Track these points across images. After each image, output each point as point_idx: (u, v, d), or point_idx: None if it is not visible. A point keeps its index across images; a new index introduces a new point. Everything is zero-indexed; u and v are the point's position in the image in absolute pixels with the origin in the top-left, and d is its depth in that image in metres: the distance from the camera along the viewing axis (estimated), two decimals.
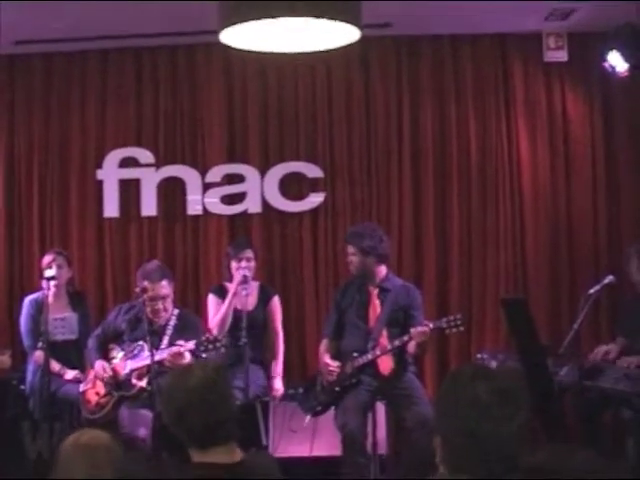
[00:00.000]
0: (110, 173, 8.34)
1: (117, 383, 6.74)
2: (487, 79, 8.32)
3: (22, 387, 7.29)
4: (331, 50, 5.21)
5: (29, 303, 7.30)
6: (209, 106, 8.38)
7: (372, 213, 8.27)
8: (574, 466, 2.46)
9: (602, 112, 8.26)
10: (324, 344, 6.96)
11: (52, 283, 7.05)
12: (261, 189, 8.29)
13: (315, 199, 8.29)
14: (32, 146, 8.41)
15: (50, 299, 7.00)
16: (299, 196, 8.30)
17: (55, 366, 7.08)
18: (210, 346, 6.44)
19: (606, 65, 7.47)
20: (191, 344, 6.48)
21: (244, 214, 8.35)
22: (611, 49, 7.38)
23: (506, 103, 8.31)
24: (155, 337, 6.66)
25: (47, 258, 7.36)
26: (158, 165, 8.35)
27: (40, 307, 7.03)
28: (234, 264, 7.16)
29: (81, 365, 7.17)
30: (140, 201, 8.34)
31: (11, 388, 7.36)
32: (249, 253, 7.23)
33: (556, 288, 8.17)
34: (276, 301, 7.42)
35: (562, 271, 8.20)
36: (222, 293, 7.27)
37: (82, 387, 6.90)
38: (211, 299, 7.35)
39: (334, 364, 6.72)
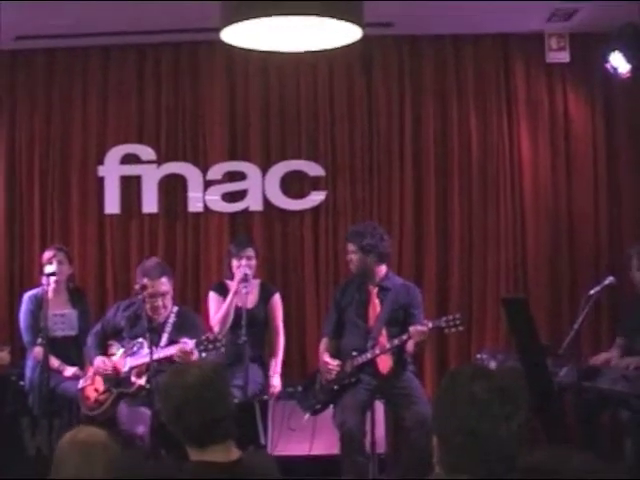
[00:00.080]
0: (111, 170, 8.34)
1: (117, 380, 6.73)
2: (489, 79, 8.32)
3: (21, 383, 7.30)
4: (333, 49, 5.20)
5: (28, 299, 7.30)
6: (211, 103, 8.38)
7: (373, 212, 8.28)
8: (571, 467, 2.46)
9: (604, 113, 8.26)
10: (324, 343, 6.96)
11: (52, 279, 7.05)
12: (262, 187, 8.29)
13: (316, 197, 8.30)
14: (33, 142, 8.42)
15: (50, 295, 7.00)
16: (300, 194, 8.31)
17: (54, 362, 7.08)
18: (210, 346, 6.44)
19: (608, 66, 7.47)
20: (191, 343, 6.47)
21: (245, 212, 8.35)
22: (613, 50, 7.38)
23: (508, 103, 8.31)
24: (154, 334, 6.65)
25: (47, 254, 7.35)
26: (159, 162, 8.36)
27: (40, 303, 7.02)
28: (235, 262, 7.16)
29: (80, 362, 7.16)
30: (141, 198, 8.35)
31: (10, 384, 7.35)
32: (250, 251, 7.23)
33: (556, 288, 8.17)
34: (277, 299, 7.41)
35: (563, 271, 8.20)
36: (223, 291, 7.27)
37: (81, 384, 6.90)
38: (212, 297, 7.35)
39: (333, 363, 6.72)
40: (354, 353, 6.65)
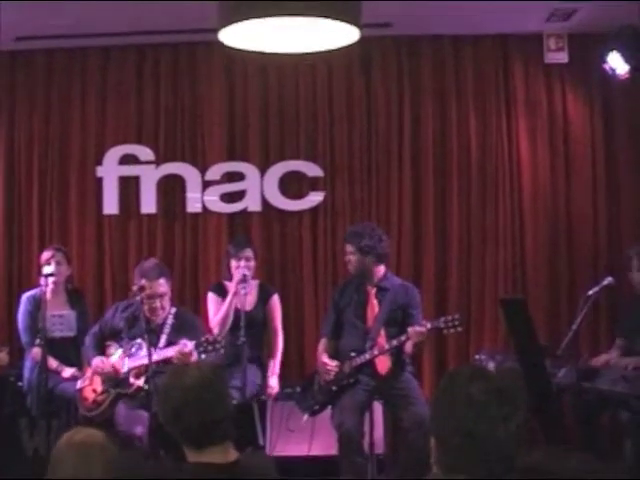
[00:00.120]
0: (110, 170, 8.34)
1: (115, 380, 6.72)
2: (488, 79, 8.32)
3: (20, 384, 7.29)
4: (331, 50, 5.20)
5: (27, 300, 7.29)
6: (210, 104, 8.37)
7: (372, 212, 8.27)
8: (569, 467, 2.46)
9: (602, 113, 8.26)
10: (322, 343, 6.96)
11: (50, 280, 7.05)
12: (261, 187, 8.29)
13: (315, 198, 8.29)
14: (32, 143, 8.41)
15: (48, 296, 7.00)
16: (299, 195, 8.30)
17: (53, 363, 7.08)
18: (209, 347, 6.43)
19: (606, 67, 7.47)
20: (190, 345, 6.46)
21: (244, 212, 8.35)
22: (611, 50, 7.38)
23: (507, 103, 8.31)
24: (153, 335, 6.64)
25: (46, 254, 7.34)
26: (158, 162, 8.35)
27: (38, 303, 7.02)
28: (234, 263, 7.16)
29: (79, 363, 7.15)
30: (140, 198, 8.34)
31: (9, 385, 7.35)
32: (249, 252, 7.23)
33: (555, 288, 8.16)
34: (276, 299, 7.42)
35: (561, 271, 8.19)
36: (221, 291, 7.27)
37: (79, 384, 6.89)
38: (211, 298, 7.35)
39: (332, 363, 6.72)
40: (352, 354, 6.65)
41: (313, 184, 8.29)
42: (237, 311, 6.98)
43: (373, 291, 6.81)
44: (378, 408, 7.07)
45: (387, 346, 6.59)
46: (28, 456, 6.81)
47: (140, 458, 6.16)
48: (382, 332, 6.67)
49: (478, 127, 8.28)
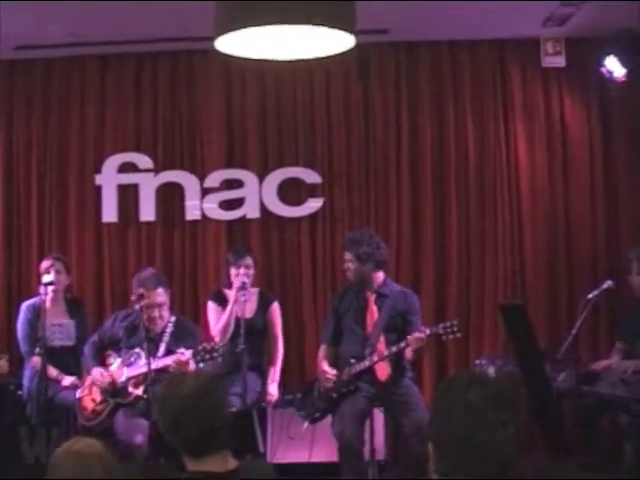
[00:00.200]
0: (109, 178, 8.35)
1: (114, 390, 6.73)
2: (485, 84, 8.32)
3: (19, 393, 7.29)
4: (328, 57, 5.19)
5: (26, 308, 7.30)
6: (208, 111, 8.38)
7: (370, 218, 8.27)
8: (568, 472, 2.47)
9: (600, 117, 8.26)
10: (322, 350, 6.96)
11: (50, 288, 7.06)
12: (259, 194, 8.29)
13: (313, 204, 8.30)
14: (31, 150, 8.42)
15: (48, 304, 7.01)
16: (297, 201, 8.31)
17: (52, 372, 7.08)
18: (207, 356, 6.43)
19: (604, 70, 7.47)
20: (188, 354, 6.46)
21: (242, 219, 8.35)
22: (608, 54, 7.39)
23: (504, 108, 8.32)
24: (152, 344, 6.64)
25: (45, 263, 7.35)
26: (157, 170, 8.36)
27: (37, 312, 7.03)
28: (233, 271, 7.17)
29: (78, 372, 7.15)
30: (139, 206, 8.35)
31: (8, 394, 7.34)
32: (248, 260, 7.23)
33: (554, 293, 8.16)
34: (276, 307, 7.42)
35: (560, 276, 8.19)
36: (221, 300, 7.27)
37: (78, 394, 6.89)
38: (211, 306, 7.35)
39: (331, 371, 6.72)
40: (352, 360, 6.65)
41: (312, 191, 8.30)
42: (237, 319, 6.99)
43: (372, 297, 6.82)
44: (379, 414, 7.07)
45: (386, 352, 6.59)
46: (28, 464, 6.80)
47: (138, 468, 6.16)
48: (381, 338, 6.67)
49: (476, 132, 8.28)
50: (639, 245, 7.34)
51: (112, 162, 8.34)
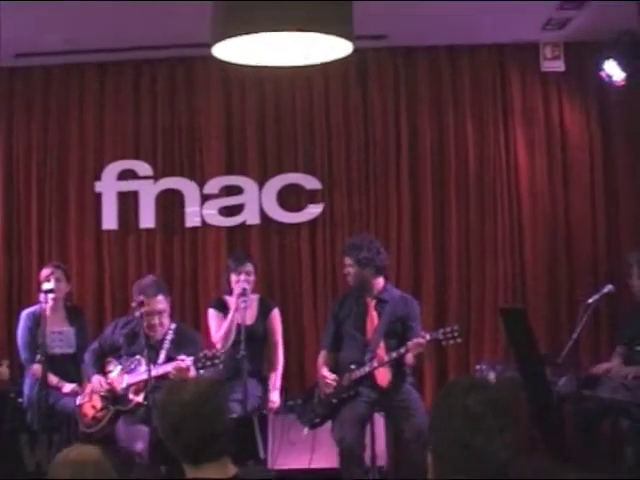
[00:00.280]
0: (108, 185, 8.36)
1: (114, 397, 6.72)
2: (484, 89, 8.33)
3: (20, 400, 7.29)
4: (326, 63, 5.20)
5: (26, 316, 7.30)
6: (207, 118, 8.39)
7: (370, 224, 8.28)
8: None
9: (599, 121, 8.26)
10: (322, 356, 6.96)
11: (50, 296, 7.07)
12: (259, 201, 8.30)
13: (313, 210, 8.30)
14: (31, 157, 8.44)
15: (48, 312, 7.01)
16: (297, 207, 8.32)
17: (53, 379, 7.08)
18: (208, 363, 6.43)
19: (603, 74, 7.48)
20: (188, 361, 6.46)
21: (242, 226, 8.36)
22: (608, 58, 7.40)
23: (504, 112, 8.32)
24: (152, 352, 6.64)
25: (45, 271, 7.36)
26: (156, 177, 8.37)
27: (37, 320, 7.04)
28: (234, 277, 7.16)
29: (78, 379, 7.15)
30: (138, 213, 8.36)
31: (9, 401, 7.34)
32: (249, 267, 7.23)
33: (555, 297, 8.16)
34: (276, 314, 7.42)
35: (561, 280, 8.19)
36: (222, 307, 7.27)
37: (79, 401, 6.89)
38: (212, 313, 7.34)
39: (331, 376, 6.72)
40: (352, 366, 6.64)
41: (311, 196, 8.30)
42: (237, 325, 6.98)
43: (372, 303, 6.81)
44: (380, 420, 7.06)
45: (386, 358, 6.58)
46: (30, 471, 6.79)
47: (136, 475, 6.17)
48: (381, 344, 6.67)
49: (475, 136, 8.29)
50: (639, 249, 7.33)
51: (112, 169, 8.35)
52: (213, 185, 8.33)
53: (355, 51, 4.79)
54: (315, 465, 7.36)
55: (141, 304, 6.66)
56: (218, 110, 8.38)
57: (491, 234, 8.23)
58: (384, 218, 8.30)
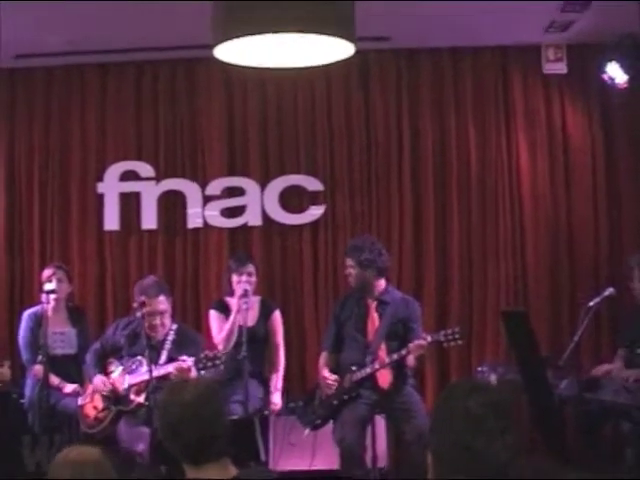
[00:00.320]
0: (111, 186, 8.36)
1: (116, 397, 6.72)
2: (487, 91, 8.33)
3: (22, 401, 7.29)
4: (329, 64, 5.20)
5: (28, 317, 7.30)
6: (209, 120, 8.39)
7: (372, 225, 8.28)
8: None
9: (602, 123, 8.26)
10: (323, 357, 6.96)
11: (52, 297, 7.07)
12: (261, 202, 8.30)
13: (315, 212, 8.30)
14: (33, 159, 8.44)
15: (49, 313, 7.02)
16: (299, 209, 8.32)
17: (54, 380, 7.08)
18: (209, 363, 6.43)
19: (605, 77, 7.47)
20: (190, 361, 6.46)
21: (244, 227, 8.36)
22: (610, 60, 7.39)
23: (506, 115, 8.32)
24: (154, 352, 6.65)
25: (47, 272, 7.36)
26: (158, 178, 8.37)
27: (39, 321, 7.04)
28: (235, 278, 7.16)
29: (80, 380, 7.15)
30: (140, 214, 8.36)
31: (11, 402, 7.34)
32: (250, 268, 7.23)
33: (556, 300, 8.16)
34: (277, 315, 7.41)
35: (562, 282, 8.18)
36: (223, 308, 7.26)
37: (80, 401, 6.90)
38: (213, 315, 7.33)
39: (332, 378, 6.72)
40: (353, 368, 6.65)
41: (313, 198, 8.30)
42: (239, 327, 6.97)
43: (374, 305, 6.81)
44: (381, 422, 7.06)
45: (388, 360, 6.58)
46: (30, 472, 6.80)
47: (136, 475, 6.17)
48: (383, 346, 6.67)
49: (477, 138, 8.29)
50: None
51: (114, 170, 8.36)
52: (215, 186, 8.34)
53: (357, 53, 4.80)
54: (316, 466, 7.36)
55: (142, 305, 6.67)
56: (220, 111, 8.38)
57: (493, 236, 8.23)
58: (386, 220, 8.30)
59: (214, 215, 8.33)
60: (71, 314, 7.46)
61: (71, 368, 7.24)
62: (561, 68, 8.21)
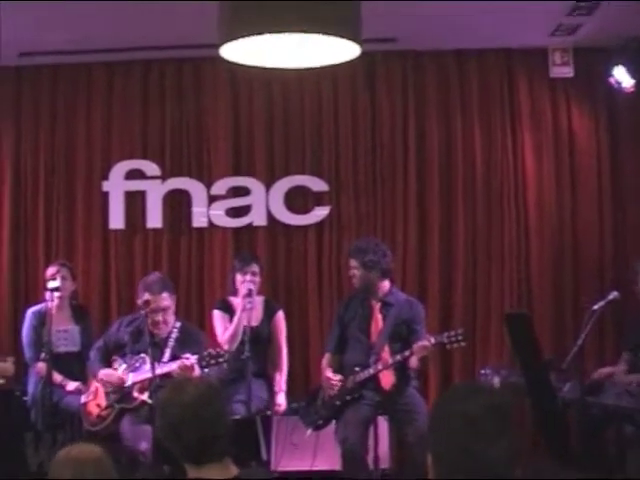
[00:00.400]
0: (116, 185, 8.37)
1: (120, 391, 6.70)
2: (493, 94, 8.32)
3: (25, 398, 7.30)
4: (335, 65, 5.20)
5: (32, 315, 7.32)
6: (215, 119, 8.40)
7: (377, 226, 8.27)
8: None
9: (608, 127, 8.25)
10: (326, 358, 6.96)
11: (56, 294, 7.06)
12: (266, 202, 8.30)
13: (320, 212, 8.30)
14: (38, 158, 8.45)
15: (53, 311, 7.01)
16: (304, 209, 8.32)
17: (57, 377, 7.08)
18: (212, 361, 6.43)
19: (612, 81, 7.47)
20: (193, 359, 6.47)
21: (249, 227, 8.36)
22: (617, 64, 7.39)
23: (512, 118, 8.31)
24: (157, 350, 6.65)
25: (51, 269, 7.37)
26: (164, 177, 8.38)
27: (42, 319, 7.05)
28: (239, 277, 7.16)
29: (83, 377, 7.16)
30: (146, 213, 8.37)
31: (14, 399, 7.35)
32: (255, 267, 7.22)
33: (560, 303, 8.15)
34: (280, 316, 7.41)
35: (566, 286, 8.17)
36: (227, 308, 7.26)
37: (83, 399, 6.90)
38: (217, 315, 7.32)
39: (335, 378, 6.72)
40: (356, 368, 6.64)
41: (318, 199, 8.30)
42: (243, 326, 6.98)
43: (377, 306, 6.81)
44: (383, 423, 7.06)
45: (391, 361, 6.58)
46: (32, 471, 6.81)
47: (137, 473, 6.17)
48: (386, 347, 6.66)
49: (483, 141, 8.28)
50: None
51: (119, 169, 8.37)
52: (220, 186, 8.34)
53: (363, 54, 4.80)
54: (317, 467, 7.36)
55: (146, 303, 6.67)
56: (226, 111, 8.38)
57: (497, 238, 8.22)
58: (391, 221, 8.30)
59: (219, 215, 8.33)
60: (75, 312, 7.47)
61: (74, 366, 7.25)
62: (568, 72, 8.20)
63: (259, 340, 7.07)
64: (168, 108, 8.42)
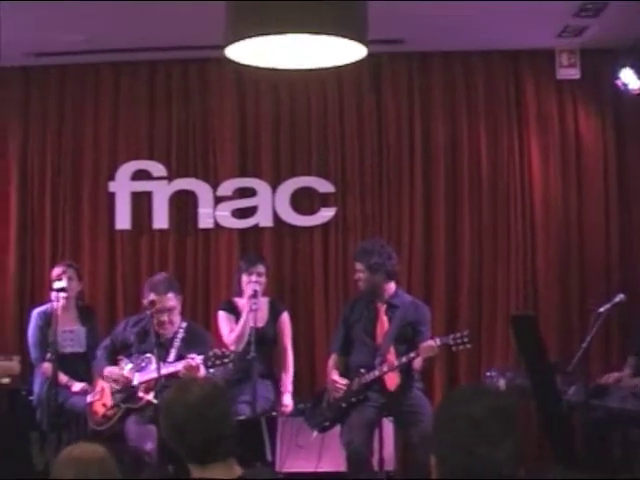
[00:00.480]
0: (122, 185, 8.39)
1: (125, 394, 6.71)
2: (499, 95, 8.32)
3: (30, 398, 7.31)
4: (341, 66, 5.20)
5: (37, 315, 7.33)
6: (221, 120, 8.41)
7: (383, 228, 8.27)
8: None
9: (614, 129, 8.24)
10: (332, 360, 6.96)
11: (62, 295, 7.05)
12: (272, 203, 8.31)
13: (326, 214, 8.31)
14: (45, 158, 8.47)
15: (59, 311, 7.01)
16: (310, 211, 8.32)
17: (63, 378, 7.09)
18: (218, 361, 6.43)
19: (619, 82, 7.46)
20: (199, 359, 6.47)
21: (255, 228, 8.37)
22: (624, 66, 7.38)
23: (518, 118, 8.31)
24: (162, 350, 6.66)
25: (57, 270, 7.38)
26: (170, 178, 8.39)
27: (48, 319, 7.05)
28: (245, 278, 7.16)
29: (88, 378, 7.16)
30: (152, 214, 8.38)
31: (20, 399, 7.36)
32: (261, 268, 7.23)
33: (566, 305, 8.14)
34: (285, 317, 7.41)
35: (572, 288, 8.16)
36: (232, 309, 7.27)
37: (89, 398, 6.91)
38: (222, 316, 7.32)
39: (341, 380, 6.72)
40: (362, 370, 6.64)
41: (324, 200, 8.31)
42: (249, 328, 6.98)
43: (383, 308, 6.80)
44: (388, 425, 7.04)
45: (397, 363, 6.57)
46: (38, 471, 6.82)
47: (140, 473, 6.17)
48: (391, 349, 6.66)
49: (489, 143, 8.28)
50: None
51: (126, 169, 8.38)
52: (226, 187, 8.35)
53: (370, 55, 4.80)
54: (322, 468, 7.36)
55: (152, 303, 6.68)
56: (232, 112, 8.39)
57: (503, 240, 8.22)
58: (396, 223, 8.30)
59: (225, 216, 8.34)
60: (81, 312, 7.47)
61: (80, 366, 7.26)
62: (575, 73, 8.19)
63: (265, 341, 7.08)
64: (174, 109, 8.43)
